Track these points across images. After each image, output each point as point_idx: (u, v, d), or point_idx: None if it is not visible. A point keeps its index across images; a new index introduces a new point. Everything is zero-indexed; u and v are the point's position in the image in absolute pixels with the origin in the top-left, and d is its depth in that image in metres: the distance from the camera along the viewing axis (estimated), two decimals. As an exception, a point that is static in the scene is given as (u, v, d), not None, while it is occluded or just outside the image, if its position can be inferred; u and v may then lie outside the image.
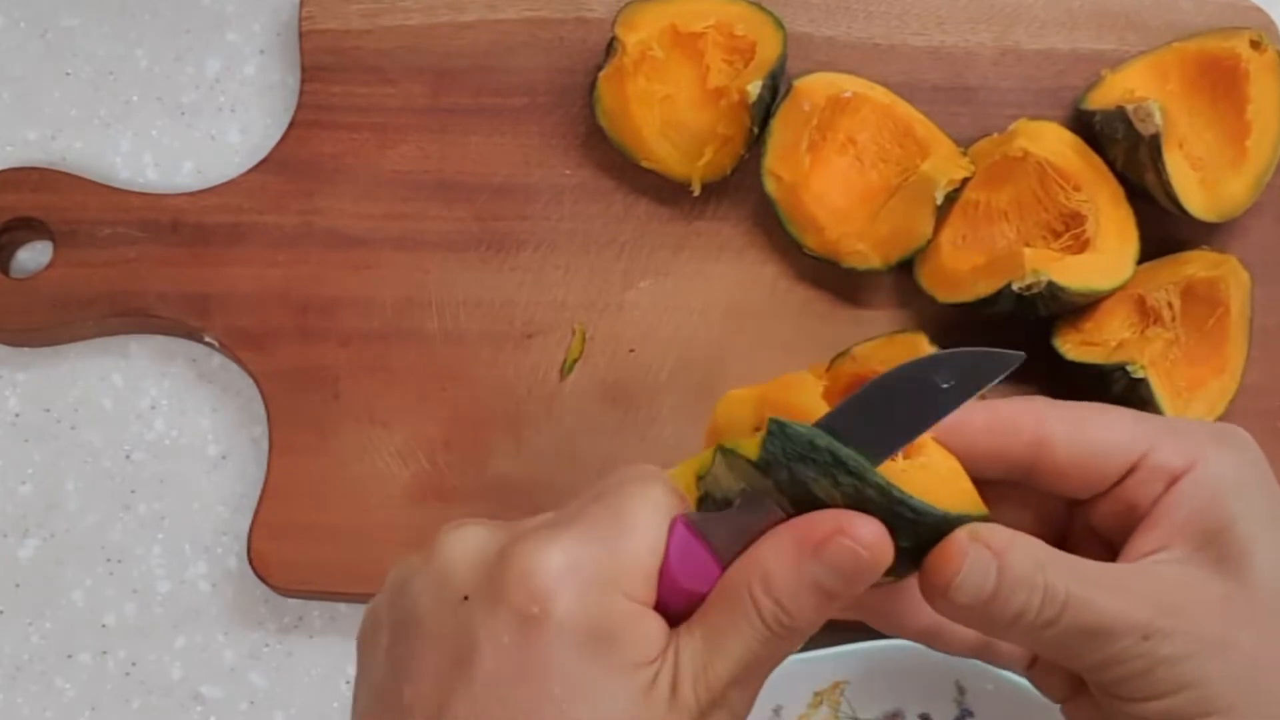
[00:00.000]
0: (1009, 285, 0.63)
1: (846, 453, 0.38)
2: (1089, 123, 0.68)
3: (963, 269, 0.66)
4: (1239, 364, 0.65)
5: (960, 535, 0.39)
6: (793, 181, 0.67)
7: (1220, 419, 0.64)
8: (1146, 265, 0.66)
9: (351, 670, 0.65)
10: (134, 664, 0.65)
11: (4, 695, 0.64)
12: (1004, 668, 0.47)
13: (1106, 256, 0.65)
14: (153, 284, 0.67)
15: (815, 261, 0.68)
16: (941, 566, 0.39)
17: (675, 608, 0.40)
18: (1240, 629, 0.39)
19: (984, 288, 0.64)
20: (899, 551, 0.39)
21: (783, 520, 0.40)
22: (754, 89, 0.66)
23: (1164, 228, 0.67)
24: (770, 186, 0.67)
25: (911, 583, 0.41)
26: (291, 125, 0.70)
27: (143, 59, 0.73)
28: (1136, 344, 0.64)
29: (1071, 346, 0.65)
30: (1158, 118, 0.64)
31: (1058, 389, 0.66)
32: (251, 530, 0.64)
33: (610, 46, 0.68)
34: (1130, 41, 0.72)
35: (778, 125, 0.68)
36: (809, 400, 0.41)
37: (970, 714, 0.60)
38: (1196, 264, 0.66)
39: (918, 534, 0.39)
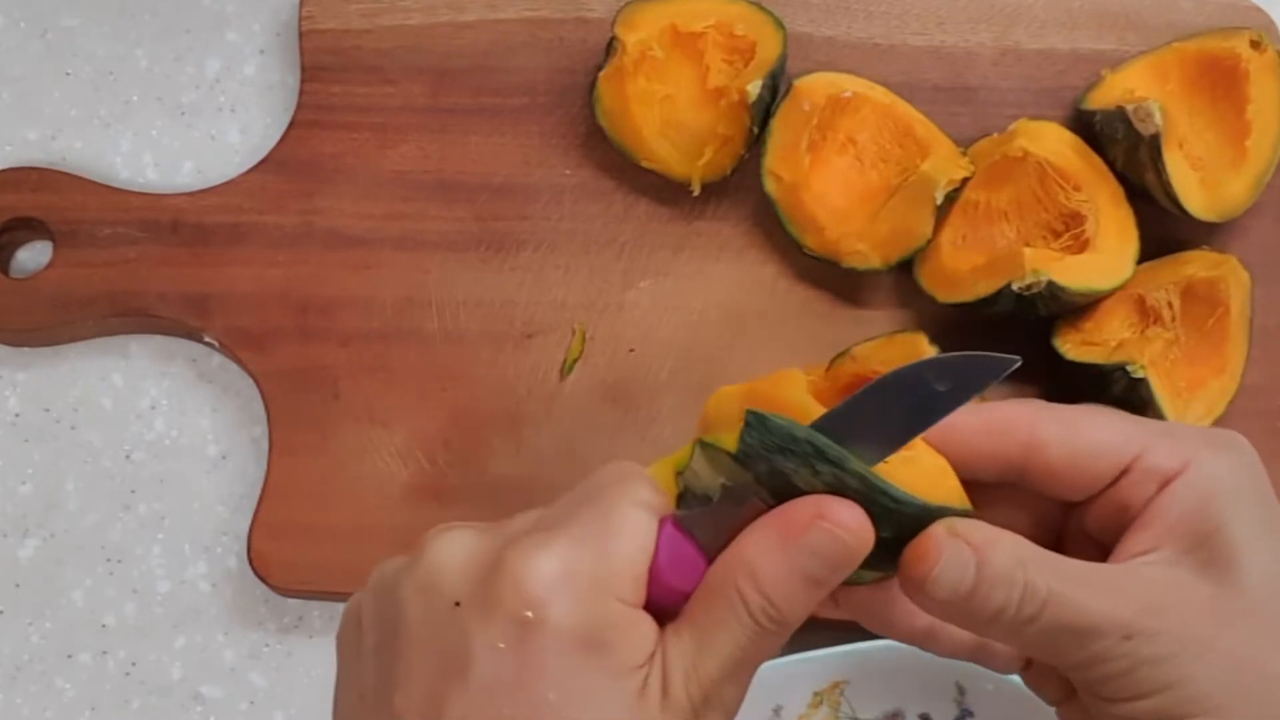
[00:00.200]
0: (1009, 285, 0.63)
1: (824, 441, 0.38)
2: (1089, 123, 0.68)
3: (963, 269, 0.66)
4: (1239, 364, 0.65)
5: (937, 529, 0.40)
6: (793, 181, 0.67)
7: (1220, 419, 0.64)
8: (1146, 265, 0.66)
9: (351, 670, 0.65)
10: (134, 664, 0.65)
11: (4, 695, 0.64)
12: (999, 670, 0.47)
13: (1106, 256, 0.65)
14: (153, 284, 0.67)
15: (815, 261, 0.68)
16: (918, 560, 0.39)
17: (665, 605, 0.40)
18: (1225, 630, 0.39)
19: (984, 288, 0.64)
20: (883, 544, 0.39)
21: (764, 512, 0.40)
22: (754, 89, 0.66)
23: (1164, 228, 0.67)
24: (770, 186, 0.67)
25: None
26: (291, 125, 0.70)
27: (143, 59, 0.73)
28: (1136, 344, 0.64)
29: (1071, 346, 0.65)
30: (1158, 118, 0.64)
31: (1058, 389, 0.66)
32: (251, 530, 0.64)
33: (610, 46, 0.68)
34: (1130, 41, 0.72)
35: (778, 125, 0.68)
36: (796, 396, 0.41)
37: (970, 714, 0.60)
38: (1196, 264, 0.66)
39: (898, 524, 0.39)
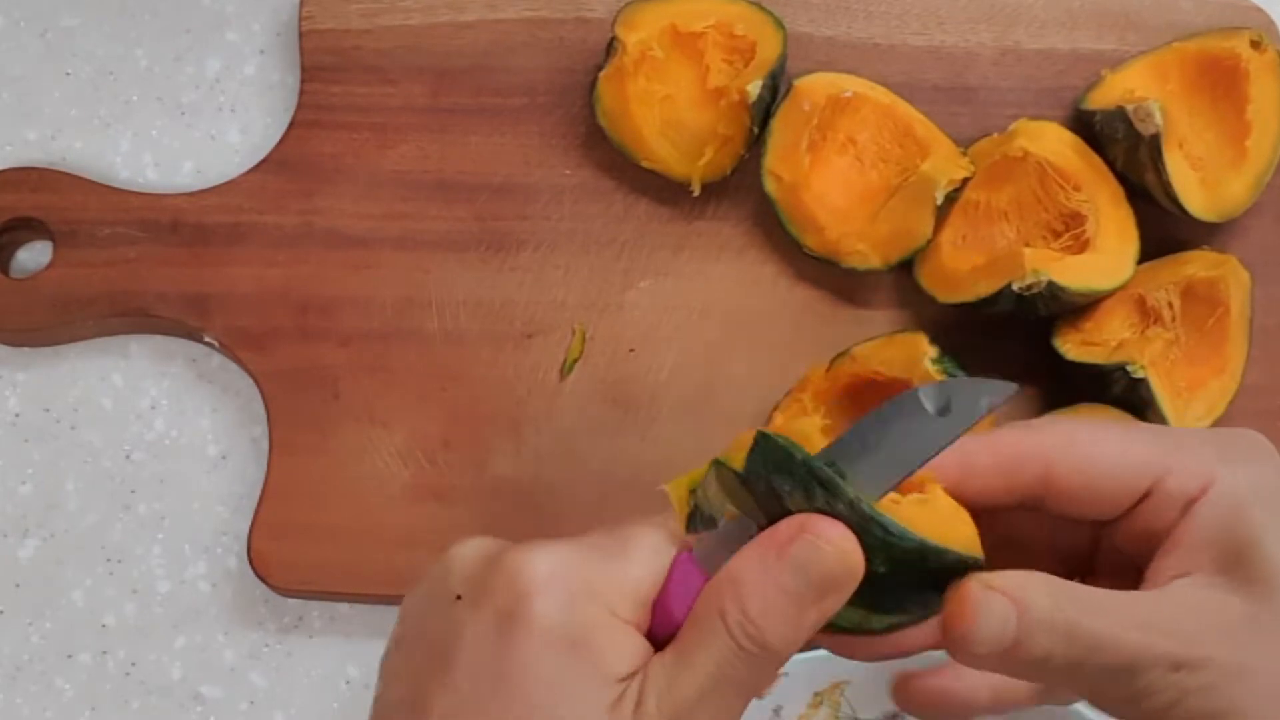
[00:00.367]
0: (1009, 285, 0.63)
1: (819, 466, 0.38)
2: (1089, 123, 0.68)
3: (963, 269, 0.66)
4: (1239, 364, 0.65)
5: (970, 584, 0.39)
6: (793, 181, 0.67)
7: (1220, 419, 0.64)
8: (1146, 265, 0.66)
9: (351, 670, 0.65)
10: (134, 664, 0.65)
11: (4, 695, 0.64)
12: (1062, 704, 0.46)
13: (1106, 256, 0.65)
14: (153, 284, 0.67)
15: (815, 261, 0.68)
16: (957, 618, 0.39)
17: (672, 637, 0.40)
18: (1267, 649, 0.39)
19: (984, 288, 0.64)
20: (886, 584, 0.39)
21: None
22: (754, 89, 0.66)
23: (1164, 228, 0.67)
24: (770, 186, 0.67)
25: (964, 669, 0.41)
26: (291, 125, 0.70)
27: (143, 59, 0.73)
28: (1136, 344, 0.64)
29: (1072, 346, 0.65)
30: (1158, 118, 0.64)
31: (1058, 389, 0.66)
32: (251, 530, 0.64)
33: (610, 46, 0.68)
34: (1130, 41, 0.72)
35: (778, 125, 0.68)
36: (818, 440, 0.41)
37: (970, 714, 0.60)
38: (1196, 264, 0.66)
39: (895, 560, 0.39)
